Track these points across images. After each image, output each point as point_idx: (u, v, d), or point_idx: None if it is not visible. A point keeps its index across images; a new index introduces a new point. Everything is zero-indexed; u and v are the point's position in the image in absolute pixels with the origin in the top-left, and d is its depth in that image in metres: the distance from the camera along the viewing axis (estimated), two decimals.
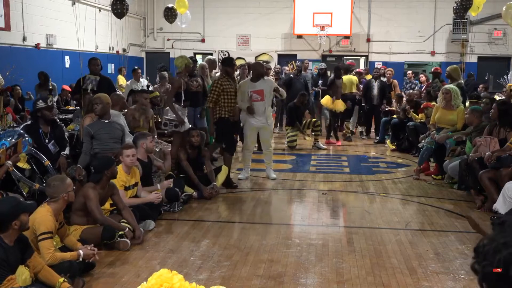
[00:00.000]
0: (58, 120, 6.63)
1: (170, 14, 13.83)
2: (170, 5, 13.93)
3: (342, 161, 9.94)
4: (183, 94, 7.72)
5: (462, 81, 9.38)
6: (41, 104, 6.03)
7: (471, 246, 5.07)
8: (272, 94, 7.99)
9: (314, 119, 11.32)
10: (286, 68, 14.17)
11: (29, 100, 10.39)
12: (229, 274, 4.33)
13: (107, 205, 5.39)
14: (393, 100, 12.02)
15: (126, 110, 7.35)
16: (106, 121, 6.25)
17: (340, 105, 11.39)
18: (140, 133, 6.48)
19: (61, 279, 3.65)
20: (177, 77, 7.94)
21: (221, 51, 18.18)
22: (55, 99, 10.65)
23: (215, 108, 7.45)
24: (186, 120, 7.75)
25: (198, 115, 8.61)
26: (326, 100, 11.45)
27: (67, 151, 6.16)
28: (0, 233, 3.31)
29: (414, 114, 10.19)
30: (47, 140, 6.03)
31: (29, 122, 6.27)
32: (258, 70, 7.84)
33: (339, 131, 12.07)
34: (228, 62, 7.64)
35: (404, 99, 11.34)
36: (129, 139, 6.71)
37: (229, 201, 6.83)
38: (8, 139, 5.30)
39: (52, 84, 10.80)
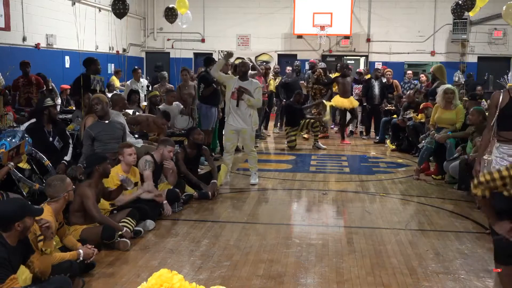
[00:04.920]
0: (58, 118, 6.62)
1: (171, 14, 13.80)
2: (170, 5, 13.92)
3: (342, 161, 9.94)
4: None
5: (446, 81, 9.38)
6: (49, 102, 6.10)
7: (471, 246, 5.08)
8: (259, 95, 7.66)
9: (312, 120, 11.29)
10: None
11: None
12: (229, 274, 4.33)
13: (106, 205, 5.39)
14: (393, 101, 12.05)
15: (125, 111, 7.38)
16: (106, 121, 6.25)
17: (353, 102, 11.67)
18: (165, 138, 6.73)
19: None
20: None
21: (221, 51, 18.20)
22: (59, 101, 10.66)
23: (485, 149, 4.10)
24: None
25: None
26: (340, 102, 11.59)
27: (68, 157, 6.14)
28: (3, 232, 3.31)
29: (414, 114, 10.19)
30: (51, 138, 6.05)
31: (33, 121, 6.24)
32: (244, 69, 7.57)
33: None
34: None
35: (404, 99, 11.34)
36: (129, 139, 6.71)
37: (229, 201, 6.83)
38: (8, 139, 5.28)
39: (52, 85, 10.81)
